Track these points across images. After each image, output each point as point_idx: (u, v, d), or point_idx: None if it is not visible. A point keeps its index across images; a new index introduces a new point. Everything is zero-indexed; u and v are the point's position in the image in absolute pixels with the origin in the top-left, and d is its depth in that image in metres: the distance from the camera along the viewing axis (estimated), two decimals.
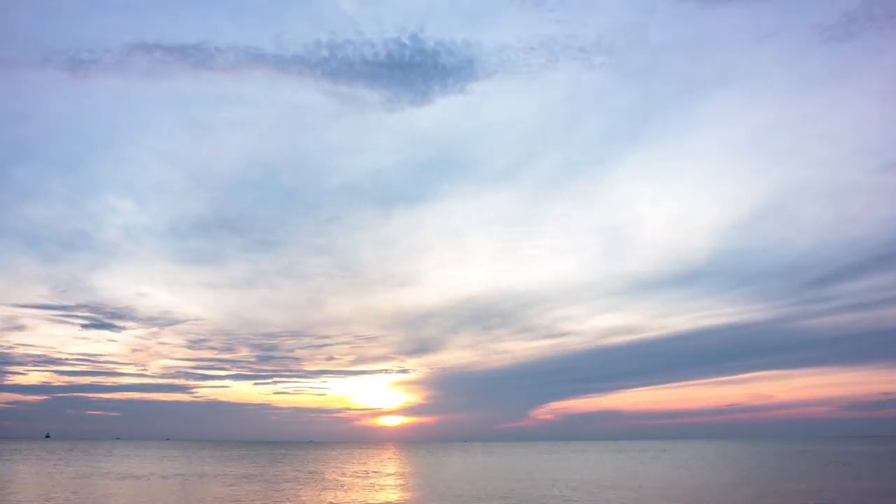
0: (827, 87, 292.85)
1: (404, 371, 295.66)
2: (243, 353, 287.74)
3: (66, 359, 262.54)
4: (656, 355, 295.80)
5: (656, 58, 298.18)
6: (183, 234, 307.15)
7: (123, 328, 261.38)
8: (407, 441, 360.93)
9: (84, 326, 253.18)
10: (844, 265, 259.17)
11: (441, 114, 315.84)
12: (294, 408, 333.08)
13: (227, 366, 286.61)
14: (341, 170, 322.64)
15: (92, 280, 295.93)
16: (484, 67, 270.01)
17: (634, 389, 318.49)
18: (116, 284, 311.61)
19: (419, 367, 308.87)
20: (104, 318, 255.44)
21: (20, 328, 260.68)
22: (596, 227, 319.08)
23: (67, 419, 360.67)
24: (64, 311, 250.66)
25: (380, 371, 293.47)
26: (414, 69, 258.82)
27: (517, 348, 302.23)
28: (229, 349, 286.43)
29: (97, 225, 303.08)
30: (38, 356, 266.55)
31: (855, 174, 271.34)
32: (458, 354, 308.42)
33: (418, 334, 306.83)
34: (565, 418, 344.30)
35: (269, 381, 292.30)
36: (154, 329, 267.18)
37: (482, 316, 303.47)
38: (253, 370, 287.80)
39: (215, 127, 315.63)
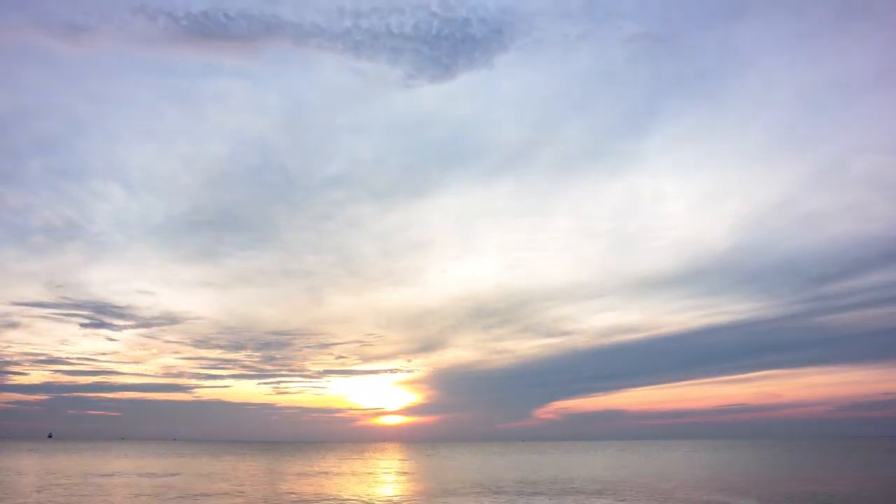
0: None
1: (406, 370, 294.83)
2: (245, 352, 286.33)
3: (67, 358, 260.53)
4: (661, 354, 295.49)
5: (692, 28, 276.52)
6: (178, 225, 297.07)
7: (123, 327, 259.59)
8: (408, 441, 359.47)
9: (83, 325, 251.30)
10: (855, 260, 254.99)
11: (459, 91, 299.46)
12: (296, 407, 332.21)
13: (228, 365, 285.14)
14: (344, 156, 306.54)
15: (86, 275, 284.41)
16: (514, 38, 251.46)
17: (639, 389, 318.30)
18: (113, 280, 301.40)
19: (421, 366, 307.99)
20: (104, 316, 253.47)
21: (14, 325, 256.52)
22: (607, 219, 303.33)
23: (69, 419, 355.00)
24: (61, 310, 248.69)
25: (382, 371, 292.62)
26: (441, 41, 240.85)
27: (521, 347, 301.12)
28: (230, 348, 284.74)
29: (85, 213, 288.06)
30: (38, 355, 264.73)
31: (863, 166, 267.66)
32: (460, 353, 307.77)
33: (421, 333, 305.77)
34: (568, 418, 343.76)
35: (271, 380, 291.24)
36: (154, 328, 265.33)
37: (485, 314, 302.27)
38: (255, 370, 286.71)
39: (215, 106, 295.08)
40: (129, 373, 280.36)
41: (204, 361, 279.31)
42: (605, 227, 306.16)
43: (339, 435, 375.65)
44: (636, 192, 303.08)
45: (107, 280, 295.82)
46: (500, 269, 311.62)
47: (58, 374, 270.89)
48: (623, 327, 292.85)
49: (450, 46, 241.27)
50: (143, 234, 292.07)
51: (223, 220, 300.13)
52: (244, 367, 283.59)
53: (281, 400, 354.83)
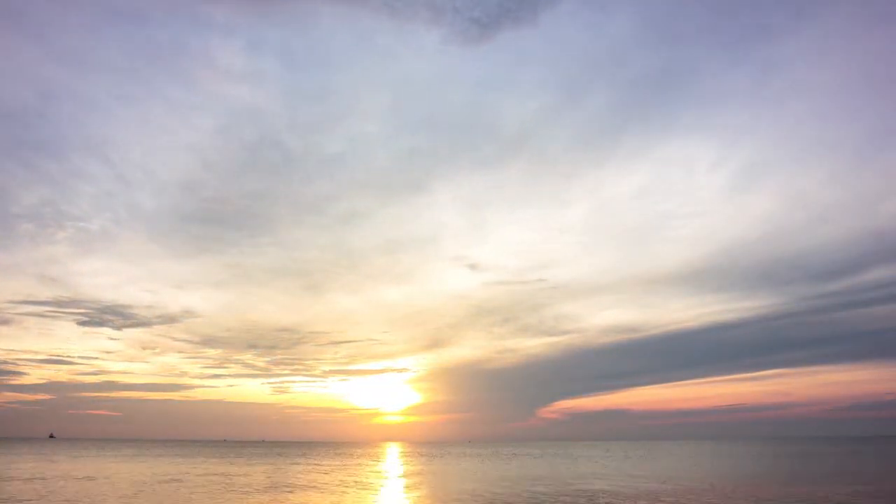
0: None
1: (409, 370, 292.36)
2: (247, 351, 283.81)
3: (67, 358, 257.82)
4: (668, 352, 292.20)
5: None
6: (170, 216, 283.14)
7: (123, 326, 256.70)
8: (409, 441, 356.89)
9: (81, 324, 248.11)
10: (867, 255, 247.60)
11: (490, 55, 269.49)
12: (299, 407, 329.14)
13: (230, 365, 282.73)
14: (347, 131, 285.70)
15: (78, 268, 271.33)
16: None
17: (644, 388, 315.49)
18: (106, 274, 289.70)
19: (424, 365, 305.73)
20: (103, 315, 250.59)
21: (6, 322, 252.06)
22: (629, 201, 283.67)
23: (71, 419, 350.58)
24: (58, 308, 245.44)
25: (384, 370, 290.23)
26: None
27: (526, 345, 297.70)
28: (232, 347, 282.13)
29: (67, 194, 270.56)
30: (38, 353, 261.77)
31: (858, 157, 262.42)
32: (464, 351, 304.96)
33: (425, 331, 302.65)
34: (572, 417, 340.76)
35: (274, 380, 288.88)
36: (154, 327, 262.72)
37: (491, 311, 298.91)
38: (257, 369, 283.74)
39: (212, 73, 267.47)
40: (131, 372, 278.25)
41: (205, 361, 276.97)
42: (626, 212, 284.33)
43: (341, 435, 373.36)
44: (665, 169, 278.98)
45: (99, 274, 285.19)
46: (508, 264, 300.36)
47: (58, 374, 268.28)
48: (629, 325, 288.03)
49: (479, 6, 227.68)
50: (131, 221, 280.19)
51: (219, 211, 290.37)
52: (246, 366, 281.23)
53: (283, 399, 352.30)
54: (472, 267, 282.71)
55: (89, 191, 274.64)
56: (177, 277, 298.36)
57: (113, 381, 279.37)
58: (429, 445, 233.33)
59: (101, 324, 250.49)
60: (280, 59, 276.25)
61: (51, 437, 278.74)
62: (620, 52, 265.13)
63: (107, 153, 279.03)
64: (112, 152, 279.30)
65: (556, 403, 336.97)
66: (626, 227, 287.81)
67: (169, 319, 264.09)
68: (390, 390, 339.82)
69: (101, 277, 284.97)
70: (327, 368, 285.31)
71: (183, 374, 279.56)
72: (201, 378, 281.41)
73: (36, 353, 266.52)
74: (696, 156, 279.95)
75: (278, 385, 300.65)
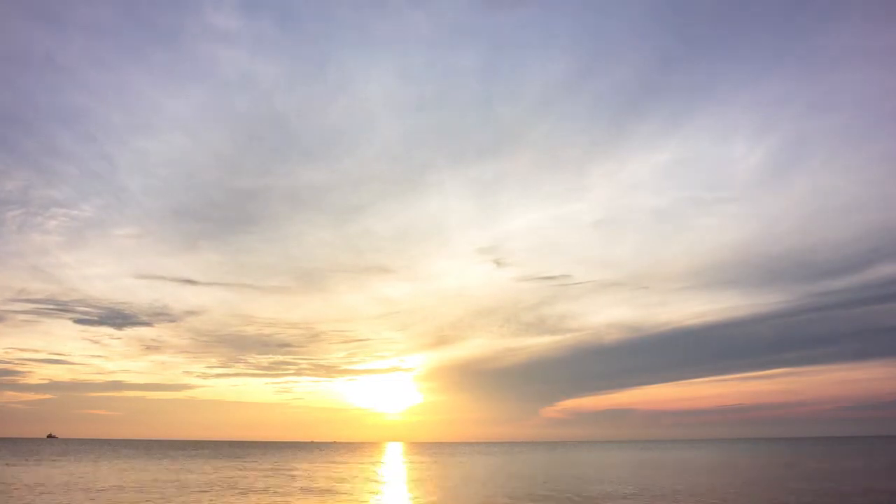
0: None
1: (413, 369, 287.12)
2: (249, 350, 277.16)
3: (67, 358, 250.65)
4: (677, 349, 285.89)
5: None
6: (160, 198, 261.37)
7: (123, 325, 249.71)
8: (411, 441, 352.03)
9: (78, 322, 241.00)
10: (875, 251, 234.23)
11: (509, 16, 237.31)
12: (301, 407, 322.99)
13: (232, 364, 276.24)
14: (351, 109, 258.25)
15: (71, 262, 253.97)
16: None
17: (649, 386, 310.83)
18: (104, 271, 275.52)
19: (428, 364, 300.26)
20: (102, 315, 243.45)
21: (1, 320, 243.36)
22: (653, 185, 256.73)
23: (71, 419, 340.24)
24: (56, 306, 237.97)
25: (388, 369, 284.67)
26: None
27: (532, 343, 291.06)
28: (235, 346, 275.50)
29: (46, 176, 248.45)
30: (37, 353, 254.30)
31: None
32: (469, 350, 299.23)
33: (429, 330, 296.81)
34: (577, 417, 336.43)
35: (277, 380, 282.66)
36: (154, 326, 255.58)
37: (495, 308, 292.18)
38: (260, 368, 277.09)
39: (202, 33, 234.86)
40: (131, 371, 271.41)
41: (207, 360, 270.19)
42: (648, 197, 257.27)
43: (344, 434, 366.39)
44: (695, 148, 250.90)
45: (95, 269, 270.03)
46: (517, 257, 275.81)
47: (58, 373, 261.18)
48: (638, 321, 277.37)
49: None
50: (122, 207, 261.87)
51: (215, 202, 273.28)
52: (248, 365, 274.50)
53: (286, 399, 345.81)
54: (480, 260, 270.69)
55: (73, 172, 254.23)
56: (175, 273, 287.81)
57: (113, 381, 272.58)
58: (429, 446, 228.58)
59: (100, 323, 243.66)
60: (278, 20, 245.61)
61: (49, 437, 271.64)
62: (653, 14, 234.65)
63: (86, 127, 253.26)
64: (92, 126, 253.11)
65: (560, 403, 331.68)
66: (647, 214, 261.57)
67: (169, 318, 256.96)
68: (394, 389, 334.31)
69: (96, 273, 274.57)
70: (331, 367, 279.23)
71: (184, 373, 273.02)
72: (204, 378, 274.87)
73: (35, 351, 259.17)
74: (731, 132, 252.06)
75: (281, 385, 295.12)
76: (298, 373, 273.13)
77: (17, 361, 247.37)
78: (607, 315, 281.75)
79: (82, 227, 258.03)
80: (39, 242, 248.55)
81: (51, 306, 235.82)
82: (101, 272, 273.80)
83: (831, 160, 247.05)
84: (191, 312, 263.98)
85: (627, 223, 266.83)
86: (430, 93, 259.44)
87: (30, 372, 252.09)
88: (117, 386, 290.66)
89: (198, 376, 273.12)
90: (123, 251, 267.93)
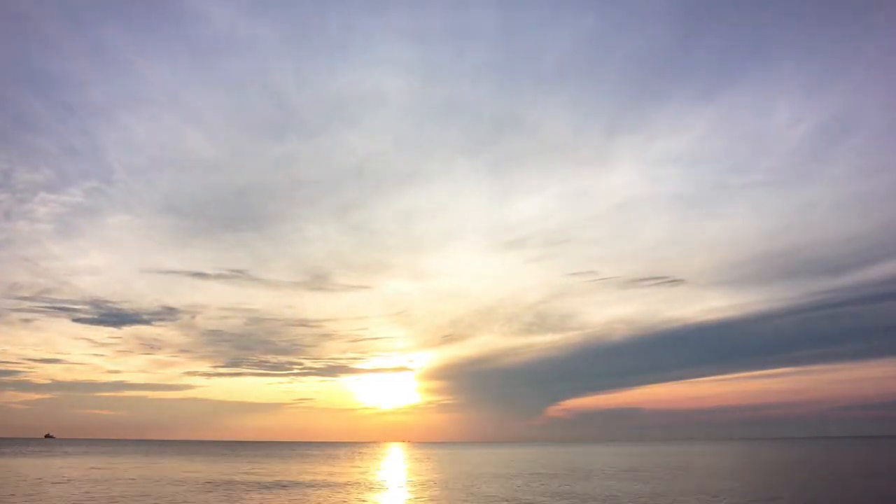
0: None
1: (418, 368, 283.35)
2: (252, 349, 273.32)
3: (66, 357, 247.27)
4: (682, 348, 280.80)
5: None
6: (154, 188, 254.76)
7: (122, 324, 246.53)
8: (414, 440, 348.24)
9: (77, 321, 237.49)
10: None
11: None
12: (303, 406, 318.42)
13: (234, 363, 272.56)
14: (355, 89, 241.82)
15: (62, 256, 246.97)
16: None
17: (655, 385, 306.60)
18: (100, 266, 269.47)
19: (430, 364, 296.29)
20: (101, 313, 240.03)
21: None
22: (684, 159, 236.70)
23: (70, 419, 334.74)
24: (53, 305, 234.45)
25: (393, 368, 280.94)
26: None
27: (539, 341, 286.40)
28: (237, 345, 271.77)
29: (26, 154, 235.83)
30: (36, 353, 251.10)
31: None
32: (474, 349, 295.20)
33: (431, 331, 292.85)
34: (580, 416, 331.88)
35: (279, 379, 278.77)
36: (154, 325, 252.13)
37: (501, 308, 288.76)
38: (263, 367, 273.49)
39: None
40: (131, 371, 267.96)
41: (208, 359, 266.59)
42: (673, 181, 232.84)
43: (346, 434, 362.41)
44: (730, 122, 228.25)
45: (87, 260, 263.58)
46: (529, 252, 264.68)
47: (57, 372, 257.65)
48: (643, 318, 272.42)
49: None
50: (112, 192, 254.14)
51: (215, 195, 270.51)
52: (252, 364, 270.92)
53: (288, 399, 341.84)
54: (490, 253, 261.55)
55: (52, 150, 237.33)
56: (171, 267, 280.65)
57: (112, 381, 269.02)
58: (430, 446, 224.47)
59: (99, 322, 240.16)
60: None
61: (48, 436, 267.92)
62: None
63: (63, 95, 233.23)
64: (70, 95, 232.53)
65: (565, 402, 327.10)
66: (671, 201, 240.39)
67: (169, 316, 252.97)
68: (399, 388, 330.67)
69: (90, 267, 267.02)
70: (337, 367, 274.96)
71: (186, 373, 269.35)
72: (207, 377, 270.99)
73: (35, 351, 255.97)
74: (775, 100, 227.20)
75: (284, 384, 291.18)
76: (303, 372, 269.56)
77: (14, 361, 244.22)
78: (616, 311, 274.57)
79: (72, 214, 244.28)
80: (28, 232, 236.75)
81: (47, 305, 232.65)
82: (94, 265, 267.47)
83: (880, 137, 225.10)
84: (190, 310, 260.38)
85: (649, 211, 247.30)
86: (443, 57, 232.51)
87: (28, 371, 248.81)
88: (117, 386, 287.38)
89: (200, 375, 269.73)
90: (117, 242, 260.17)
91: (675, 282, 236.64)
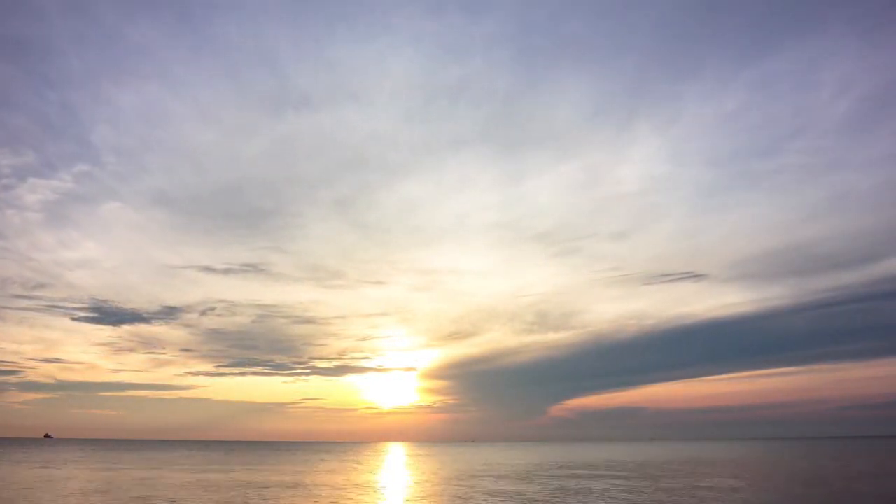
0: None
1: (421, 367, 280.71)
2: (255, 348, 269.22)
3: (66, 356, 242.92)
4: (690, 346, 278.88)
5: None
6: (145, 174, 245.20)
7: (121, 323, 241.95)
8: (414, 440, 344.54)
9: (75, 319, 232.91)
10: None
11: None
12: (305, 406, 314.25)
13: (237, 362, 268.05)
14: (360, 75, 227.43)
15: (55, 248, 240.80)
16: None
17: (659, 384, 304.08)
18: (93, 258, 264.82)
19: (434, 363, 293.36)
20: (100, 312, 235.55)
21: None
22: (716, 132, 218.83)
23: (69, 418, 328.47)
24: (51, 303, 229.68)
25: (396, 367, 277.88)
26: None
27: (545, 339, 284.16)
28: (239, 344, 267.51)
29: (9, 143, 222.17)
30: (35, 353, 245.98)
31: None
32: (478, 348, 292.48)
33: (435, 329, 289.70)
34: (583, 416, 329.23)
35: (282, 378, 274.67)
36: (155, 324, 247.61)
37: (505, 306, 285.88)
38: (266, 366, 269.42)
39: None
40: (131, 370, 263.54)
41: (210, 358, 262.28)
42: (698, 165, 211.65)
43: (349, 433, 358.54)
44: (769, 92, 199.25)
45: (81, 253, 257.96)
46: (538, 246, 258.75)
47: (56, 372, 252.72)
48: (648, 315, 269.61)
49: None
50: (105, 178, 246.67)
51: (221, 193, 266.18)
52: (255, 363, 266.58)
53: (289, 398, 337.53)
54: (497, 246, 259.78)
55: (34, 129, 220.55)
56: (169, 263, 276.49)
57: (112, 381, 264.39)
58: (431, 446, 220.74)
59: (98, 321, 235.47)
60: None
61: (46, 437, 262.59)
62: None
63: (38, 64, 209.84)
64: (45, 63, 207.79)
65: (567, 401, 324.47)
66: (694, 186, 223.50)
67: (170, 316, 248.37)
68: (402, 387, 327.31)
69: (87, 262, 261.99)
70: (339, 366, 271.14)
71: (187, 373, 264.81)
72: (208, 376, 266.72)
73: (33, 350, 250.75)
74: (818, 69, 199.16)
75: (286, 383, 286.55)
76: (305, 372, 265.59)
77: (13, 361, 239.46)
78: (627, 308, 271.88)
79: (61, 203, 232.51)
80: (18, 221, 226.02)
81: (47, 303, 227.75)
82: (89, 259, 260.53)
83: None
84: (190, 309, 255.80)
85: (667, 200, 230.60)
86: (453, 24, 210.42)
87: (27, 371, 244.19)
88: (118, 386, 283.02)
89: (202, 375, 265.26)
90: (111, 234, 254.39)
91: (693, 277, 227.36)
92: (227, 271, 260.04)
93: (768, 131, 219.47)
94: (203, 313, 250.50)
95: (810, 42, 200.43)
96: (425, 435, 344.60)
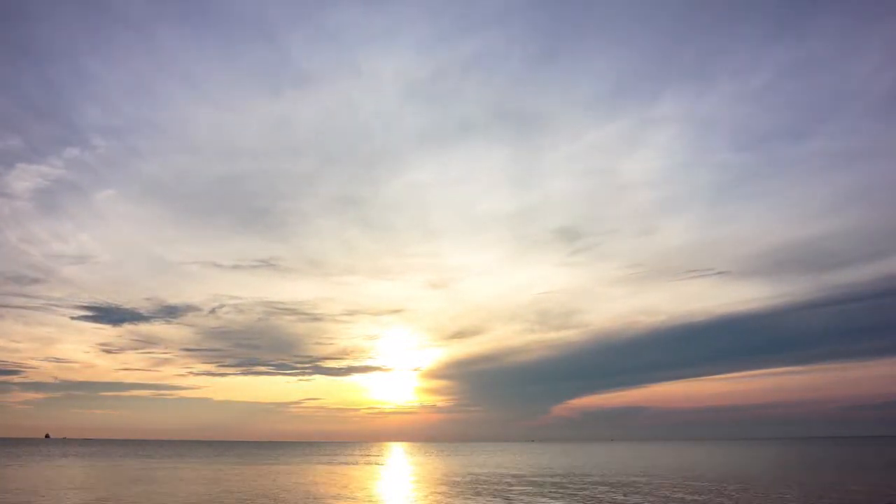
0: None
1: (424, 367, 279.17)
2: (257, 348, 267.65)
3: (65, 355, 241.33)
4: (690, 345, 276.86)
5: None
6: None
7: (121, 322, 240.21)
8: (416, 440, 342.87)
9: (74, 318, 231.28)
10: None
11: None
12: (307, 406, 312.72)
13: (238, 361, 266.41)
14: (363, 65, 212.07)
15: (49, 240, 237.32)
16: None
17: (662, 384, 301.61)
18: (90, 253, 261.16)
19: (436, 363, 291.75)
20: (99, 311, 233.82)
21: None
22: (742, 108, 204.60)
23: (70, 418, 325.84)
24: (51, 302, 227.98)
25: (398, 367, 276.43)
26: None
27: (549, 338, 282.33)
28: (240, 343, 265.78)
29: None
30: (34, 352, 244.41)
31: None
32: (482, 347, 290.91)
33: (439, 328, 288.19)
34: (587, 416, 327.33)
35: (283, 378, 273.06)
36: (154, 323, 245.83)
37: (509, 305, 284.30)
38: (268, 366, 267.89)
39: None
40: (131, 370, 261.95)
41: (210, 358, 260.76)
42: (721, 150, 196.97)
43: (350, 433, 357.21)
44: (805, 66, 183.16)
45: (78, 249, 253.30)
46: (546, 245, 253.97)
47: (57, 372, 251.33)
48: (658, 312, 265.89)
49: None
50: (100, 167, 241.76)
51: (223, 189, 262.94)
52: (257, 363, 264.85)
53: (290, 398, 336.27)
54: (504, 241, 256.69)
55: (15, 111, 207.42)
56: (169, 259, 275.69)
57: (113, 381, 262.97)
58: (432, 445, 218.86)
59: (97, 320, 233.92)
60: None
61: (46, 437, 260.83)
62: None
63: (10, 33, 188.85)
64: (19, 32, 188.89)
65: (570, 401, 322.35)
66: (715, 175, 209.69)
67: (170, 314, 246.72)
68: (405, 386, 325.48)
69: (82, 258, 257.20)
70: (344, 366, 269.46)
71: (187, 372, 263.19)
72: (210, 376, 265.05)
73: (31, 348, 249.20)
74: (864, 34, 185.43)
75: (288, 383, 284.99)
76: (308, 371, 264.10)
77: (13, 361, 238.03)
78: (636, 304, 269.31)
79: (54, 190, 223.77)
80: (8, 211, 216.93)
81: (44, 301, 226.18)
82: (84, 253, 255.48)
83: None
84: (191, 308, 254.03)
85: (686, 190, 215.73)
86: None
87: (28, 371, 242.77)
88: (118, 386, 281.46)
89: (202, 374, 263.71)
90: (106, 225, 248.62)
91: (717, 274, 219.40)
92: (234, 267, 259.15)
93: (800, 112, 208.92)
94: (212, 311, 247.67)
95: (850, 15, 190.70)
96: (428, 435, 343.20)
